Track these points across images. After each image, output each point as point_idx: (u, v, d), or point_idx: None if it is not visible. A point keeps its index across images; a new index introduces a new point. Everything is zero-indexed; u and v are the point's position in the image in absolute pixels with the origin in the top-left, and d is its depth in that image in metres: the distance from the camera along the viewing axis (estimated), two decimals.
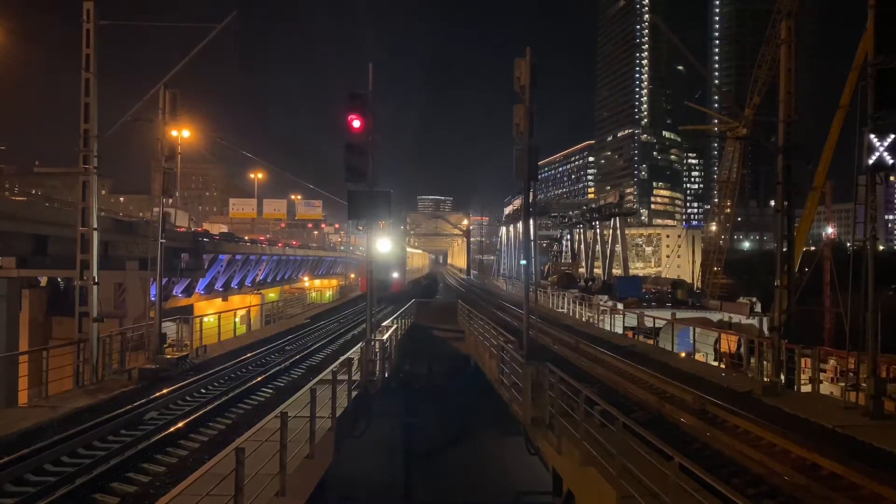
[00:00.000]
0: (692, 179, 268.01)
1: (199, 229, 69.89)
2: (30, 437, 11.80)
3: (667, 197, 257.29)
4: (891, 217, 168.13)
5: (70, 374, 17.01)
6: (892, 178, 15.06)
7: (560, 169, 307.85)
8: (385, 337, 18.78)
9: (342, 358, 13.97)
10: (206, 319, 24.94)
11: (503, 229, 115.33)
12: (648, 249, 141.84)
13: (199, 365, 19.38)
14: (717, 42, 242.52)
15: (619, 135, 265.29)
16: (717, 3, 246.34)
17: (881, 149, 13.15)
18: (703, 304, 49.52)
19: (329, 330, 31.73)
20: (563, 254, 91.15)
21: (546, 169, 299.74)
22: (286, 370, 19.75)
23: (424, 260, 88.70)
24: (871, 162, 13.26)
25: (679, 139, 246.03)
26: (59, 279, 34.88)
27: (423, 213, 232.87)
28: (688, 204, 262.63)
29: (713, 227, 79.75)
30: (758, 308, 46.28)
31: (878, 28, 12.67)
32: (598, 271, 73.85)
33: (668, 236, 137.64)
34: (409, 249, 55.20)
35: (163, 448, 11.65)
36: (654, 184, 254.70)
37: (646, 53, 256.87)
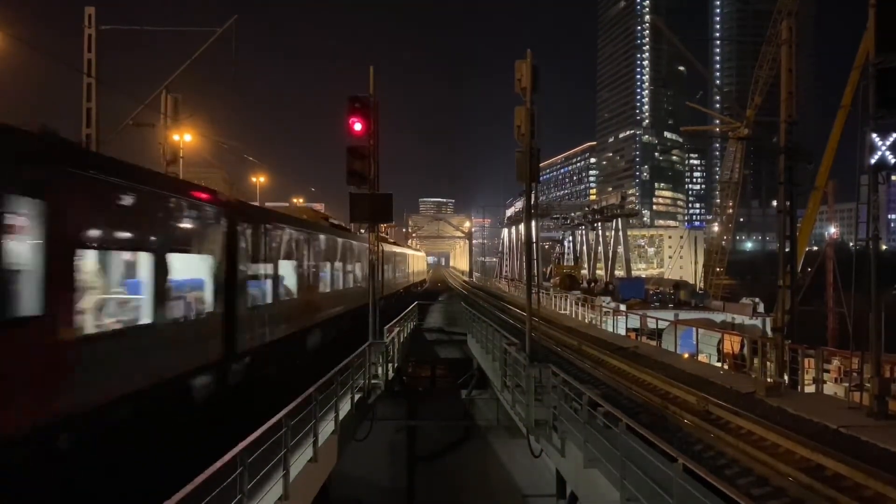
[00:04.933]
0: (694, 180, 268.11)
1: None
2: None
3: (669, 198, 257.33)
4: (893, 216, 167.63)
5: None
6: (894, 178, 15.05)
7: (561, 170, 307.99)
8: (388, 339, 18.74)
9: (345, 360, 13.96)
10: None
11: (505, 231, 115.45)
12: (651, 250, 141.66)
13: None
14: (718, 42, 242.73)
15: (621, 136, 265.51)
16: (718, 3, 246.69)
17: (883, 148, 13.16)
18: (706, 305, 49.41)
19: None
20: (566, 255, 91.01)
21: (547, 171, 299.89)
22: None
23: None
24: (873, 161, 13.26)
25: (681, 140, 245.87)
26: None
27: (425, 216, 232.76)
28: (690, 205, 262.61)
29: (715, 228, 79.60)
30: (761, 308, 46.11)
31: (878, 27, 12.62)
32: (600, 272, 73.78)
33: (670, 237, 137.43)
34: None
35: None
36: (656, 185, 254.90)
37: (647, 54, 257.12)
